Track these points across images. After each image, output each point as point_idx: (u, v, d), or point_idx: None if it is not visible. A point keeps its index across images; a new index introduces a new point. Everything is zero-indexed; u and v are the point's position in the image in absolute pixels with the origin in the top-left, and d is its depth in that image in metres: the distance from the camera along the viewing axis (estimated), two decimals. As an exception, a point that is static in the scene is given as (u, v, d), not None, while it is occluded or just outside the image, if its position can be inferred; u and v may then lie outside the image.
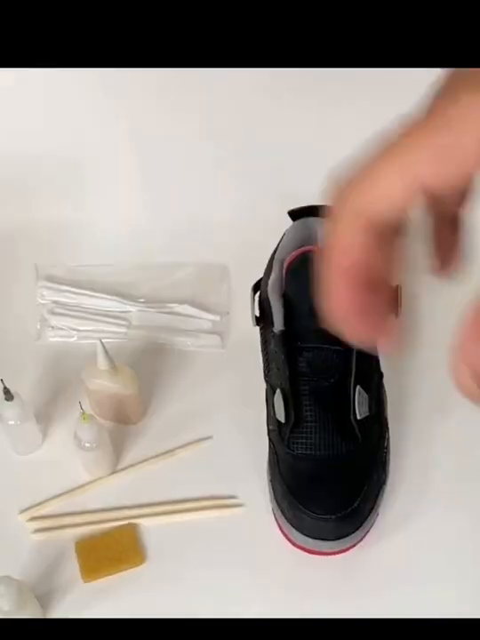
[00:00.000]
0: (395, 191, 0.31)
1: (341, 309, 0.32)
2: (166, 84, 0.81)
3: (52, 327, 0.85)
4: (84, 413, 0.69)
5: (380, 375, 0.74)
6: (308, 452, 0.69)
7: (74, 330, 0.84)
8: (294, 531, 0.68)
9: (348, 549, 0.69)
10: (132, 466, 0.76)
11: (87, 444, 0.71)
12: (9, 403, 0.71)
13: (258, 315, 0.74)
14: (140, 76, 0.76)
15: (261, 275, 0.74)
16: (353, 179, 0.31)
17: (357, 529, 0.68)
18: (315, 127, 0.85)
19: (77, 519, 0.73)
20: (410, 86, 0.83)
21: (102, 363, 0.72)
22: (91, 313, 0.86)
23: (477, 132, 0.29)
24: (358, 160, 0.32)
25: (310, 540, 0.68)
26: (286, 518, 0.69)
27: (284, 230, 0.74)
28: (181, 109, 0.85)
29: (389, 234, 0.32)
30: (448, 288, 0.88)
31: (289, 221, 0.75)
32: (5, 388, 0.70)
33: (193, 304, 0.86)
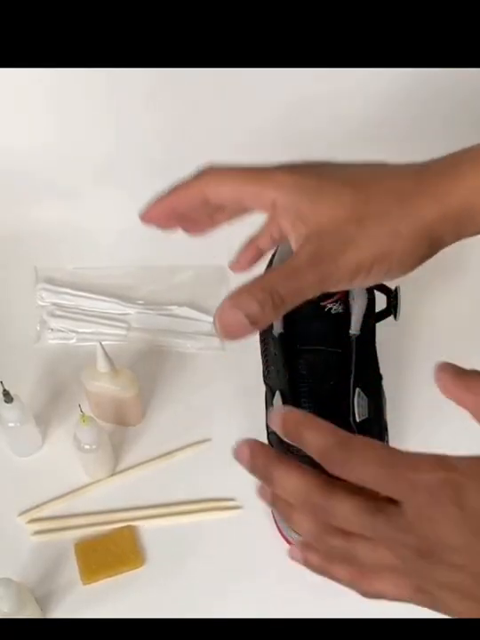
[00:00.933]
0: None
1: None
2: (166, 84, 0.81)
3: (52, 329, 0.85)
4: (83, 415, 0.69)
5: (380, 377, 0.74)
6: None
7: (73, 332, 0.85)
8: (293, 532, 0.68)
9: (347, 551, 0.69)
10: (131, 468, 0.76)
11: (87, 446, 0.71)
12: (9, 405, 0.71)
13: (257, 317, 0.74)
14: (140, 76, 0.76)
15: (261, 277, 0.74)
16: None
17: (356, 531, 0.68)
18: (314, 128, 0.85)
19: (77, 521, 0.73)
20: (409, 87, 0.83)
21: (102, 365, 0.73)
22: (90, 315, 0.86)
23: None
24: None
25: (309, 541, 0.68)
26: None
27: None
28: (181, 110, 0.85)
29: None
30: (447, 292, 0.88)
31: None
32: (5, 390, 0.70)
33: (192, 306, 0.86)
